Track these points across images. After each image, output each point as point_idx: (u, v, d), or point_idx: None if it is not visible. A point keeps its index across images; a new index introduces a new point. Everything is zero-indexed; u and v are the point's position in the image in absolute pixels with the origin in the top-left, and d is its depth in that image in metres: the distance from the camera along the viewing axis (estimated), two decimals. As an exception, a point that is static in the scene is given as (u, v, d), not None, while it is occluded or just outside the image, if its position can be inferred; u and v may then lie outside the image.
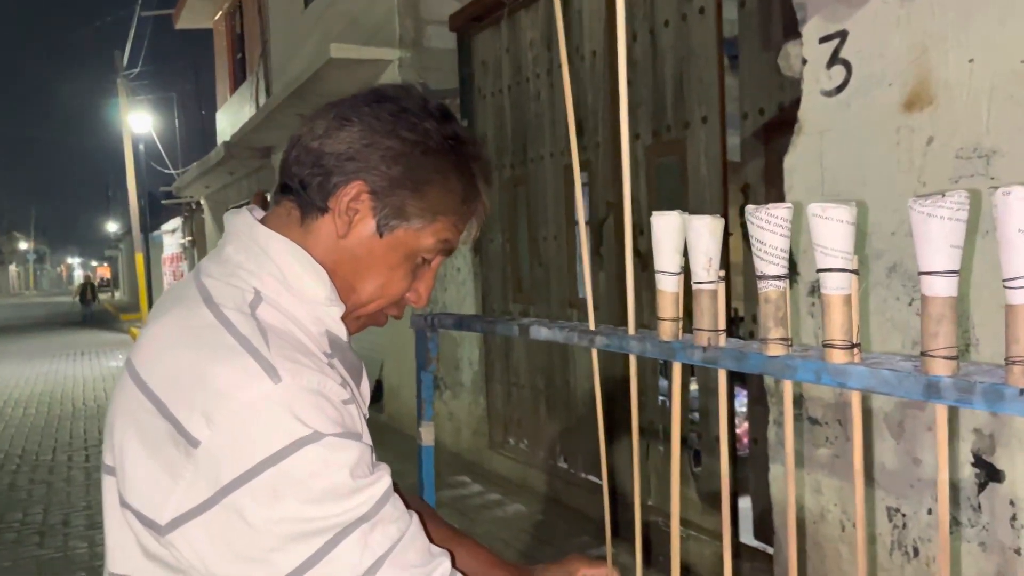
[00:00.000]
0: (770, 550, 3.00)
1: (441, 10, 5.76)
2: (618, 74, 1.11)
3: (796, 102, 2.52)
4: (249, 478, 0.72)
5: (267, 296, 0.83)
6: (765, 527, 3.13)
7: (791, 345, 0.83)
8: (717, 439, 3.48)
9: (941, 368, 0.68)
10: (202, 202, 15.01)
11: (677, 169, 3.66)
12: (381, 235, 0.87)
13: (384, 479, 0.78)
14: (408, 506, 0.83)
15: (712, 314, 0.92)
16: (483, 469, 5.26)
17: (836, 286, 0.76)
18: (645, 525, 3.80)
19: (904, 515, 2.19)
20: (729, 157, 3.46)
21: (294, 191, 0.87)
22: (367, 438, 0.86)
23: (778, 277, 0.82)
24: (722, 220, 0.92)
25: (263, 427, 0.72)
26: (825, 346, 0.77)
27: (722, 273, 0.92)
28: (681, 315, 0.98)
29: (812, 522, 2.47)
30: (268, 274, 0.84)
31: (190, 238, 17.06)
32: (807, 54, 2.36)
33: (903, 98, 2.14)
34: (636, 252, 3.84)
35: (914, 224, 0.69)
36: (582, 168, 4.32)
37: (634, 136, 3.88)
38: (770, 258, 0.82)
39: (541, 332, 1.22)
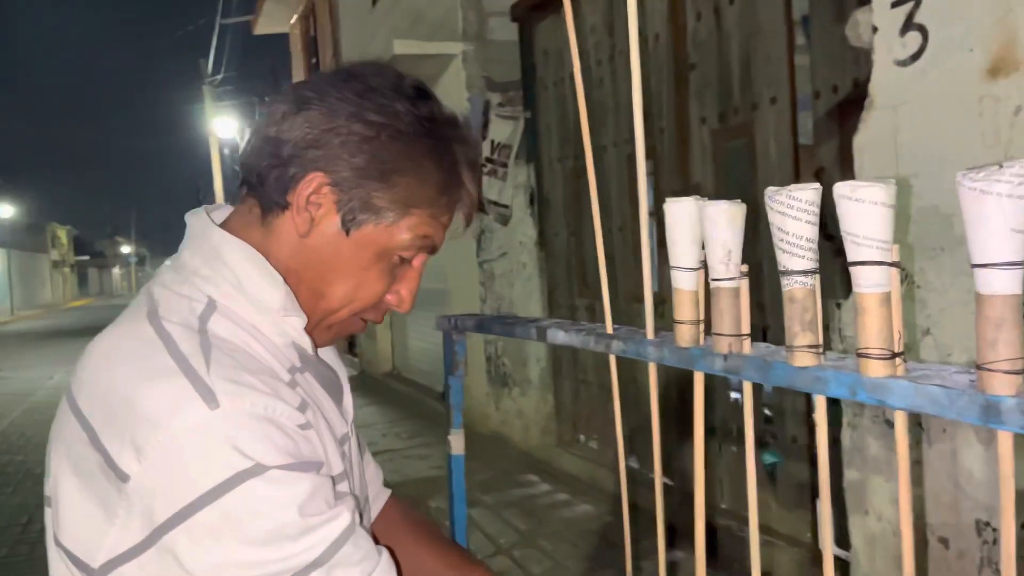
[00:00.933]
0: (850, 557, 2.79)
1: (503, 1, 5.66)
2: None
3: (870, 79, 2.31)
4: (185, 517, 0.63)
5: (223, 305, 0.74)
6: (845, 534, 2.92)
7: (823, 353, 0.70)
8: (794, 439, 3.28)
9: (1001, 385, 0.54)
10: (283, 203, 15.33)
11: (746, 153, 3.46)
12: (347, 232, 0.77)
13: (343, 516, 0.69)
14: (378, 540, 0.74)
15: (734, 316, 0.79)
16: (552, 467, 5.15)
17: (871, 283, 0.63)
18: (718, 530, 3.62)
19: (995, 529, 1.97)
20: (801, 140, 3.25)
21: (253, 187, 0.78)
22: (337, 465, 0.76)
23: (805, 273, 0.69)
24: (743, 206, 0.78)
25: (198, 460, 0.64)
26: (859, 356, 0.64)
27: (745, 268, 0.79)
28: (703, 317, 0.85)
29: (893, 534, 2.27)
30: (224, 280, 0.75)
31: (273, 238, 17.47)
32: (878, 21, 2.16)
33: (986, 64, 1.91)
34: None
35: (964, 204, 0.55)
36: (646, 156, 4.15)
37: (700, 120, 3.70)
38: (794, 250, 0.69)
39: (558, 336, 1.11)
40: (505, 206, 5.49)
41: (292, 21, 13.92)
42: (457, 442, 1.53)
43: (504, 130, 5.47)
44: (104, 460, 0.65)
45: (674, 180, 3.93)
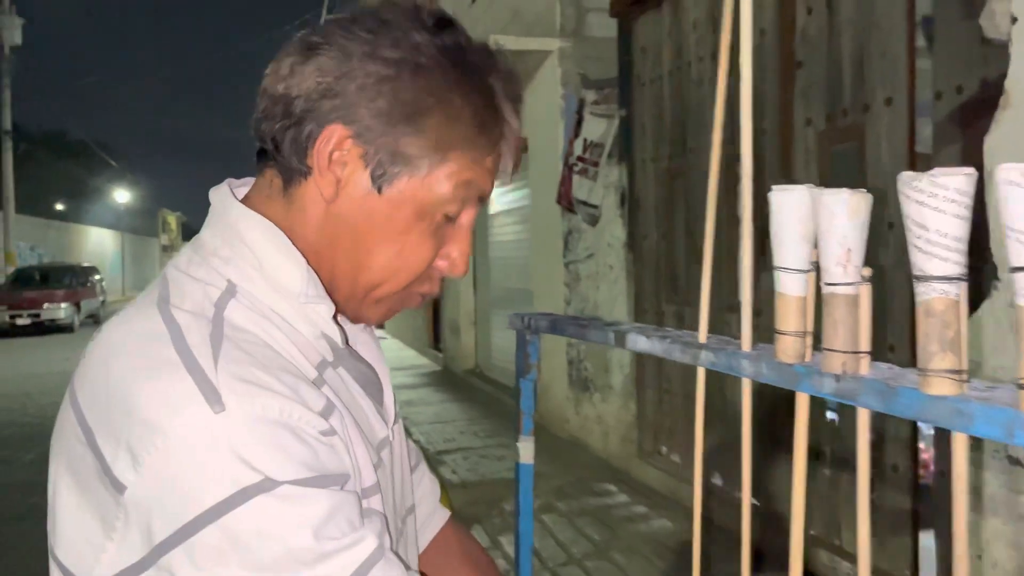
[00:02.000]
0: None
1: (603, -4, 5.53)
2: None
3: (1004, 76, 2.08)
4: (185, 537, 0.55)
5: (243, 290, 0.65)
6: (950, 573, 2.67)
7: (967, 380, 0.56)
8: (895, 467, 3.03)
9: None
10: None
11: (855, 158, 3.23)
12: (379, 190, 0.67)
13: (367, 541, 0.59)
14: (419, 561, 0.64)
15: (850, 329, 0.65)
16: (630, 478, 4.99)
17: (1042, 294, 0.49)
18: (805, 558, 3.40)
19: None
20: (917, 146, 3.00)
21: (270, 155, 0.69)
22: (368, 475, 0.67)
23: (948, 279, 0.55)
24: (868, 196, 0.65)
25: (198, 472, 0.55)
26: (1021, 387, 0.50)
27: (867, 271, 0.65)
28: (810, 328, 0.72)
29: (1008, 582, 2.04)
30: (244, 261, 0.66)
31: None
32: (1017, 10, 1.94)
33: None
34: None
35: None
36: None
37: (805, 121, 3.48)
38: (935, 250, 0.55)
39: (639, 342, 0.98)
40: (594, 206, 5.35)
41: (394, 18, 14.12)
42: (526, 449, 1.42)
43: (597, 128, 5.33)
44: (100, 466, 0.58)
45: (774, 184, 3.72)
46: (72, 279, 18.96)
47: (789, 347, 0.71)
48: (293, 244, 0.67)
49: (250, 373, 0.59)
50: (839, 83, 3.28)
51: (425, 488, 0.96)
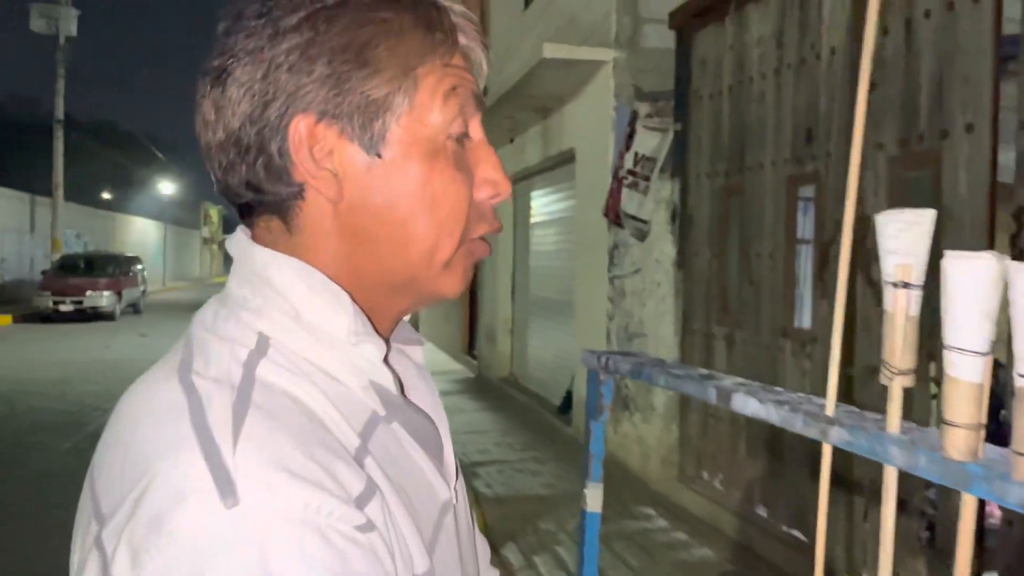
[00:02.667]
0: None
1: (661, 8, 5.41)
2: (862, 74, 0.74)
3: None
4: None
5: (278, 343, 0.57)
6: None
7: None
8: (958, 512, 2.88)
9: None
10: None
11: (928, 186, 3.08)
12: (379, 155, 0.59)
13: None
14: None
15: (1051, 431, 0.54)
16: (670, 503, 4.85)
17: None
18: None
19: None
20: (999, 176, 2.85)
21: (254, 203, 0.61)
22: (421, 561, 0.56)
23: None
24: (1085, 273, 0.54)
25: None
26: None
27: (1075, 364, 0.55)
28: (984, 420, 0.62)
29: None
30: (277, 310, 0.58)
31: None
32: None
33: None
34: (869, 282, 3.29)
35: None
36: (808, 180, 3.81)
37: (876, 146, 3.34)
38: None
39: (748, 404, 0.88)
40: (644, 221, 5.23)
41: (442, 21, 14.11)
42: (594, 497, 1.32)
43: (650, 142, 5.22)
44: (102, 561, 0.49)
45: (839, 210, 3.58)
46: (115, 268, 19.27)
47: (960, 441, 0.61)
48: (329, 279, 0.60)
49: (276, 454, 0.49)
50: (915, 107, 3.13)
51: (478, 549, 0.87)
